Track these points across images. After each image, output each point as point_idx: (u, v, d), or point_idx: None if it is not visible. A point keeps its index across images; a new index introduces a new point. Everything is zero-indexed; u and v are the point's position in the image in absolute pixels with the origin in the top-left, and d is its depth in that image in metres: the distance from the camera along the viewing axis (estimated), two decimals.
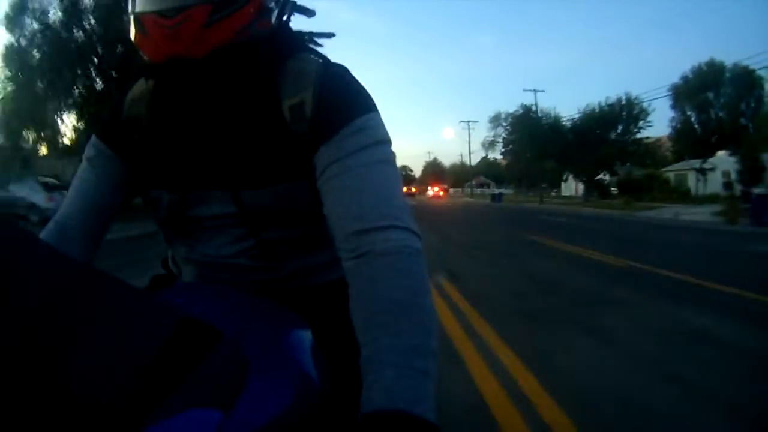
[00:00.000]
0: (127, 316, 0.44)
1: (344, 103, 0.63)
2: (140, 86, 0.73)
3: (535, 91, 37.90)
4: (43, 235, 0.73)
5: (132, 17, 0.61)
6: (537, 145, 32.89)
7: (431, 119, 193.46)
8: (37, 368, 0.37)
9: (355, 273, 0.56)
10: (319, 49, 0.73)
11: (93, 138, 0.76)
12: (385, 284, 0.53)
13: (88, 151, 0.76)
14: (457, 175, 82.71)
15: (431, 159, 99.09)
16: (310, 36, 0.73)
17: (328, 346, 0.63)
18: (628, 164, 32.70)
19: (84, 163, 0.76)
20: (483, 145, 49.69)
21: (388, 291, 0.53)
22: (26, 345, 0.37)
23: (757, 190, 17.50)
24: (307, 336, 0.59)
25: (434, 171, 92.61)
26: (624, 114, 30.25)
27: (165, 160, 0.69)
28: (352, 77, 0.67)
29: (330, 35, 0.74)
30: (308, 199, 0.66)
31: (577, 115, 32.64)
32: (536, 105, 35.93)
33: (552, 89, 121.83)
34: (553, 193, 48.96)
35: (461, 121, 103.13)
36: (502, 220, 17.63)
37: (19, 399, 0.35)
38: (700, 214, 17.51)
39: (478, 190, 67.57)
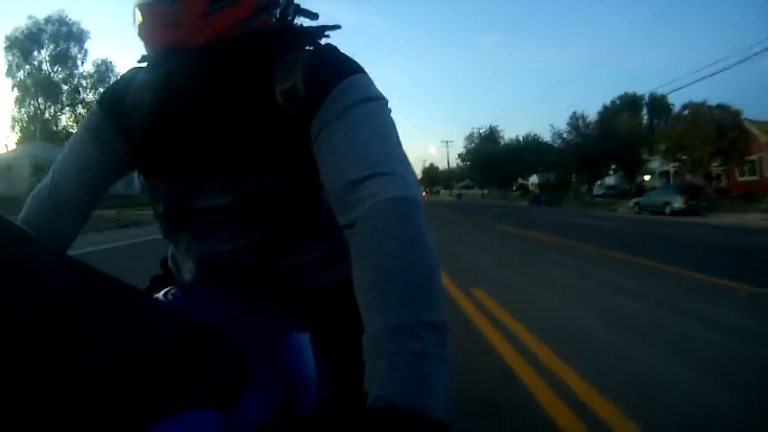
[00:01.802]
0: (128, 317, 0.45)
1: (328, 71, 0.63)
2: (147, 74, 0.71)
3: (478, 128, 60.49)
4: (35, 198, 0.74)
5: (133, 9, 0.61)
6: (472, 162, 53.52)
7: (428, 126, 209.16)
8: (37, 369, 0.36)
9: (350, 248, 0.54)
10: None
11: (97, 110, 0.74)
12: (369, 254, 0.50)
13: (90, 121, 0.74)
14: (449, 179, 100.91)
15: (428, 165, 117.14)
16: (317, 30, 0.72)
17: (328, 347, 0.63)
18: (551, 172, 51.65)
19: (84, 134, 0.74)
20: (459, 156, 68.34)
21: (372, 261, 0.49)
22: (27, 345, 0.37)
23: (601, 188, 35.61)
24: (305, 337, 0.60)
25: (431, 175, 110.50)
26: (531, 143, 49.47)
27: (163, 149, 0.68)
28: (338, 51, 0.67)
29: (336, 27, 0.72)
30: (308, 185, 0.66)
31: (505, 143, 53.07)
32: (478, 133, 56.11)
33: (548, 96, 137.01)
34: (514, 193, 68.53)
35: (441, 141, 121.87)
36: (439, 205, 35.53)
37: (20, 399, 0.35)
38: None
39: (464, 191, 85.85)
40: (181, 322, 0.49)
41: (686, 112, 25.64)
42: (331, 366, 0.60)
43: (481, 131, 59.39)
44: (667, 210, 18.18)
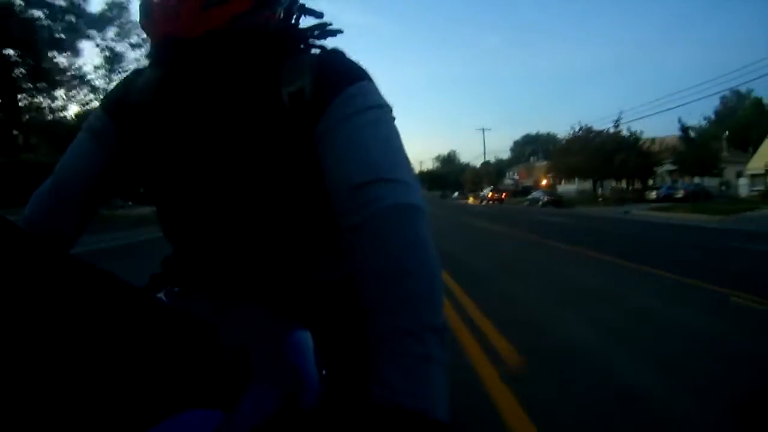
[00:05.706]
0: (129, 317, 0.45)
1: (335, 76, 0.63)
2: (149, 74, 0.71)
3: (438, 157, 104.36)
4: (37, 197, 0.73)
5: (140, 3, 0.62)
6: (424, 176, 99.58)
7: (426, 128, 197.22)
8: (38, 369, 0.36)
9: (350, 250, 0.55)
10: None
11: (99, 111, 0.73)
12: (371, 257, 0.51)
13: (94, 123, 0.73)
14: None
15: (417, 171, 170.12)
16: (319, 30, 0.72)
17: (329, 344, 0.64)
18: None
19: (86, 134, 0.73)
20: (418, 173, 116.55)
21: (374, 264, 0.51)
22: (28, 346, 0.37)
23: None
24: (305, 337, 0.60)
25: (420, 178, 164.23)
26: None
27: (166, 150, 0.68)
28: (345, 56, 0.68)
29: (338, 32, 0.73)
30: (311, 187, 0.65)
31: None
32: (443, 156, 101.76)
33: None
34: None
35: (416, 161, 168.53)
36: None
37: (21, 400, 0.34)
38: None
39: (424, 191, 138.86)
40: (182, 321, 0.49)
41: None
42: (332, 364, 0.61)
43: (444, 155, 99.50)
44: (454, 197, 71.66)
